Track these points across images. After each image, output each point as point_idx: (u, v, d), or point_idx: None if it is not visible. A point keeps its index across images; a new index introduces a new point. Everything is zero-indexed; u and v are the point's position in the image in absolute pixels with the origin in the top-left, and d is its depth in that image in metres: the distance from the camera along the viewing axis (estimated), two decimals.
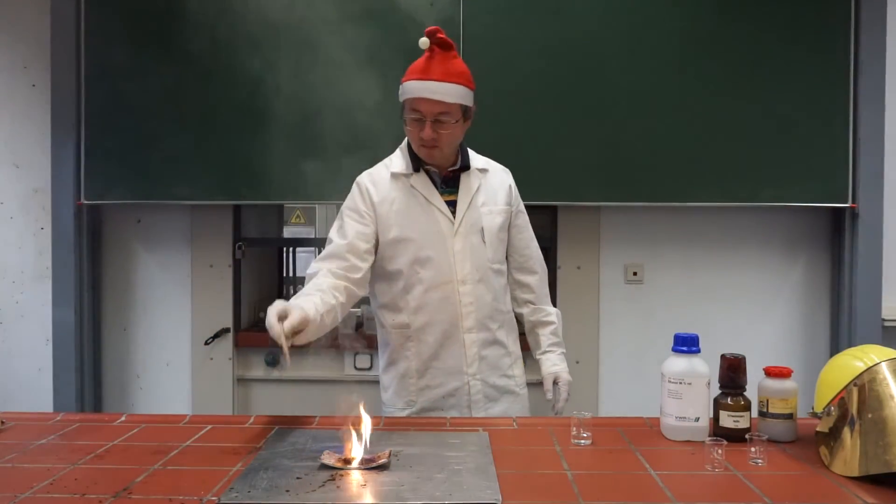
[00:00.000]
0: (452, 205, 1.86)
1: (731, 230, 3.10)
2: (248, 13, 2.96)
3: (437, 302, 1.84)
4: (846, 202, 2.90)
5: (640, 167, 2.90)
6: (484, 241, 1.86)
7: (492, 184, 1.92)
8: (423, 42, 1.77)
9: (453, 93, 1.76)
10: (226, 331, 3.16)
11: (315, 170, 2.94)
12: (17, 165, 3.17)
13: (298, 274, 3.87)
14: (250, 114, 2.95)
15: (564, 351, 2.01)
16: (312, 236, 5.59)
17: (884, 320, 2.93)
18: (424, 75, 1.75)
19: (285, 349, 1.51)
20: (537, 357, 2.00)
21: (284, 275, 3.76)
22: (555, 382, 1.92)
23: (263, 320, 3.33)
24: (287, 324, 1.51)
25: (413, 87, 1.76)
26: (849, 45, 2.87)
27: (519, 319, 2.02)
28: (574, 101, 2.90)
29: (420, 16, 2.89)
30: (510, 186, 1.96)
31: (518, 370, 1.97)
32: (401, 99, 1.81)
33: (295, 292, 3.50)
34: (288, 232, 5.21)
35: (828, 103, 2.88)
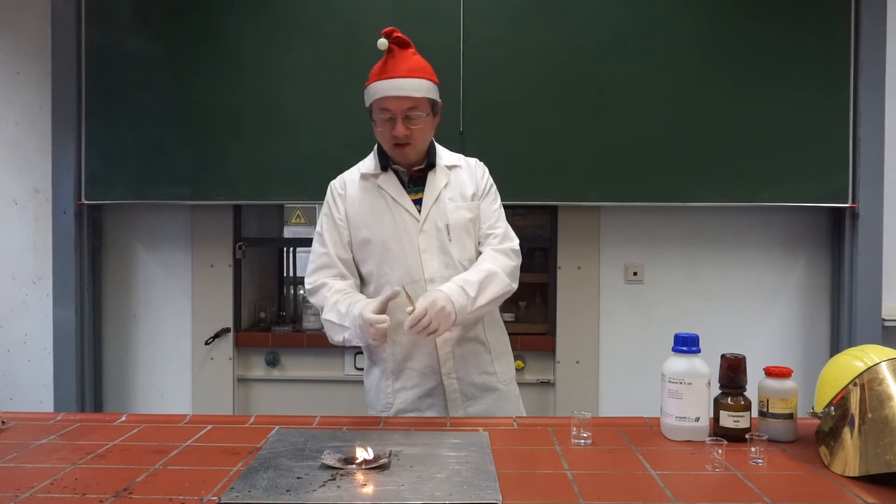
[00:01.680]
0: (419, 203, 1.85)
1: (731, 230, 3.10)
2: (248, 13, 2.96)
3: (406, 302, 1.80)
4: (846, 202, 2.90)
5: (640, 167, 2.90)
6: (450, 238, 1.83)
7: (461, 179, 1.89)
8: (382, 43, 1.78)
9: (420, 87, 1.77)
10: (226, 331, 3.16)
11: (315, 170, 2.94)
12: (16, 165, 3.17)
13: (299, 274, 3.87)
14: (250, 114, 2.96)
15: (473, 295, 1.70)
16: (312, 236, 5.59)
17: (884, 320, 2.93)
18: (388, 74, 1.77)
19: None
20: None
21: (284, 275, 3.76)
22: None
23: (264, 320, 3.34)
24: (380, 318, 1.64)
25: (379, 87, 1.77)
26: (849, 45, 2.87)
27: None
28: (574, 101, 2.90)
29: (420, 16, 2.89)
30: (477, 178, 1.91)
31: (501, 366, 1.93)
32: (367, 103, 1.82)
33: (295, 292, 3.54)
34: (288, 232, 5.22)
35: (828, 103, 2.88)
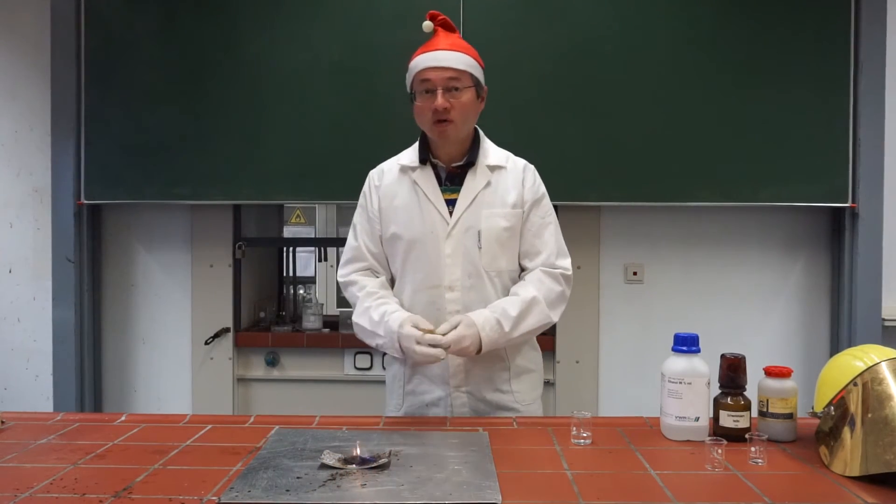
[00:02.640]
0: (453, 204, 1.76)
1: (731, 230, 3.10)
2: (248, 14, 2.96)
3: (423, 305, 1.76)
4: (846, 202, 2.90)
5: (640, 167, 2.90)
6: (479, 246, 1.74)
7: (504, 183, 1.78)
8: (427, 25, 1.74)
9: (462, 60, 1.71)
10: (226, 331, 3.16)
11: (315, 170, 2.95)
12: (17, 166, 3.17)
13: (299, 274, 3.87)
14: (251, 114, 2.96)
15: (507, 330, 1.66)
16: (312, 236, 5.60)
17: (884, 320, 2.93)
18: (431, 48, 1.72)
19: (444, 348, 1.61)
20: None
21: (284, 275, 3.76)
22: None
23: (263, 320, 3.34)
24: (437, 336, 1.61)
25: (421, 60, 1.72)
26: (849, 45, 2.87)
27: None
28: (574, 101, 2.90)
29: (421, 16, 2.88)
30: (523, 186, 1.79)
31: (521, 385, 1.81)
32: (408, 83, 1.76)
33: (295, 292, 3.54)
34: (288, 232, 5.22)
35: (828, 103, 2.88)
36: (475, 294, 1.75)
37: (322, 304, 3.37)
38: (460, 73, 1.70)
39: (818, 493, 1.19)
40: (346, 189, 2.92)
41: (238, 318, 3.20)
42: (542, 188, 1.83)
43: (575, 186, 2.91)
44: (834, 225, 3.06)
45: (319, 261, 5.07)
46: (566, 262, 1.79)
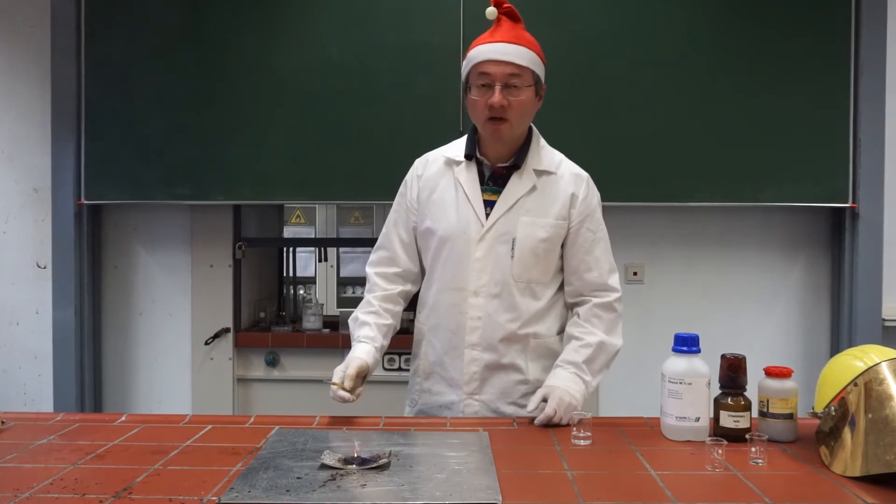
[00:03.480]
0: (492, 205, 1.69)
1: (731, 230, 3.10)
2: (247, 15, 2.96)
3: (446, 307, 1.72)
4: (846, 202, 2.90)
5: (640, 167, 2.90)
6: (512, 254, 1.67)
7: (552, 191, 1.70)
8: (491, 12, 1.64)
9: (525, 55, 1.61)
10: (226, 331, 3.16)
11: (315, 170, 2.94)
12: (17, 165, 3.17)
13: (299, 274, 3.87)
14: (251, 114, 2.96)
15: (588, 379, 1.63)
16: (312, 236, 5.60)
17: (884, 320, 2.93)
18: (493, 38, 1.62)
19: (350, 397, 1.59)
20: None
21: (284, 275, 3.76)
22: (545, 400, 1.57)
23: (263, 320, 3.35)
24: (348, 383, 1.58)
25: (481, 51, 1.62)
26: (849, 45, 2.87)
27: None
28: (574, 101, 2.90)
29: (421, 17, 2.89)
30: (573, 197, 1.71)
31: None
32: (465, 72, 1.67)
33: (295, 292, 3.54)
34: (288, 232, 5.21)
35: (828, 103, 2.88)
36: (499, 303, 1.69)
37: (322, 305, 3.37)
38: (522, 70, 1.61)
39: (818, 494, 1.19)
40: (346, 189, 2.94)
41: (238, 319, 3.20)
42: (596, 199, 1.77)
43: None
44: (834, 225, 3.06)
45: (319, 261, 5.07)
46: (616, 282, 1.74)
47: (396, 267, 1.79)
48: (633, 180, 2.91)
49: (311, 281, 5.18)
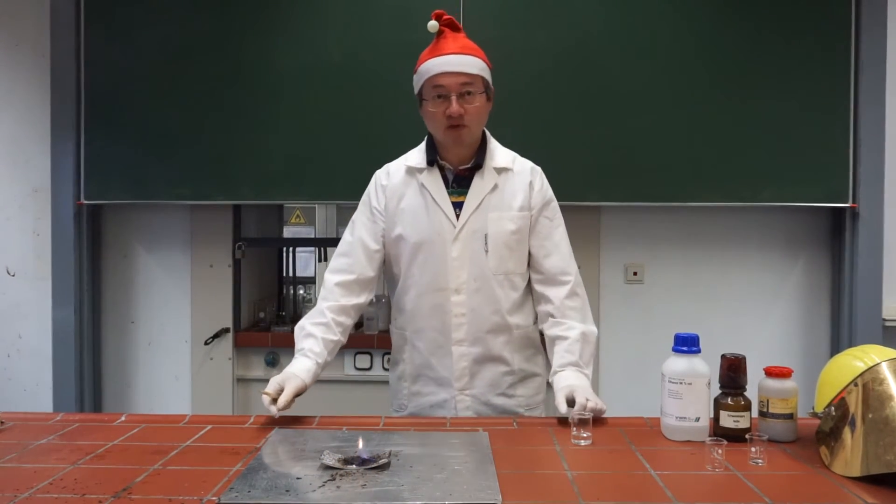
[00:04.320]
0: (460, 206, 1.76)
1: (731, 230, 3.10)
2: (248, 14, 2.96)
3: (429, 308, 1.77)
4: (846, 202, 2.90)
5: (640, 167, 2.90)
6: (486, 249, 1.75)
7: (511, 185, 1.78)
8: (432, 25, 1.72)
9: (474, 64, 1.70)
10: (226, 331, 3.16)
11: (315, 170, 2.94)
12: (16, 165, 3.17)
13: (298, 274, 3.87)
14: (251, 114, 2.96)
15: (587, 373, 1.71)
16: (312, 236, 5.59)
17: (884, 320, 2.93)
18: (441, 51, 1.70)
19: (277, 414, 1.56)
20: (550, 381, 1.72)
21: (284, 275, 3.76)
22: (570, 404, 1.57)
23: (263, 320, 3.33)
24: (281, 401, 1.56)
25: (432, 64, 1.70)
26: (849, 45, 2.87)
27: (542, 337, 1.84)
28: (574, 101, 2.90)
29: (421, 17, 2.88)
30: (531, 187, 1.79)
31: (526, 390, 1.83)
32: (417, 85, 1.74)
33: (294, 292, 3.54)
34: (288, 232, 5.22)
35: (828, 103, 2.88)
36: (481, 297, 1.75)
37: None
38: (473, 78, 1.70)
39: (818, 494, 1.19)
40: (346, 189, 2.92)
41: (238, 319, 3.20)
42: (550, 191, 1.85)
43: (575, 186, 2.91)
44: (834, 225, 3.06)
45: (319, 261, 5.05)
46: (574, 267, 1.82)
47: (357, 275, 1.79)
48: (633, 180, 2.91)
49: (310, 281, 5.18)
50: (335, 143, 2.91)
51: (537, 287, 1.81)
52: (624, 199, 2.95)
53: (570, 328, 1.74)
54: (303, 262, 4.95)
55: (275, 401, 1.55)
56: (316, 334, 1.74)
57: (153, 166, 2.98)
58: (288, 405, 1.57)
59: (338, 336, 1.77)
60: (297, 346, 1.76)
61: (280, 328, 3.23)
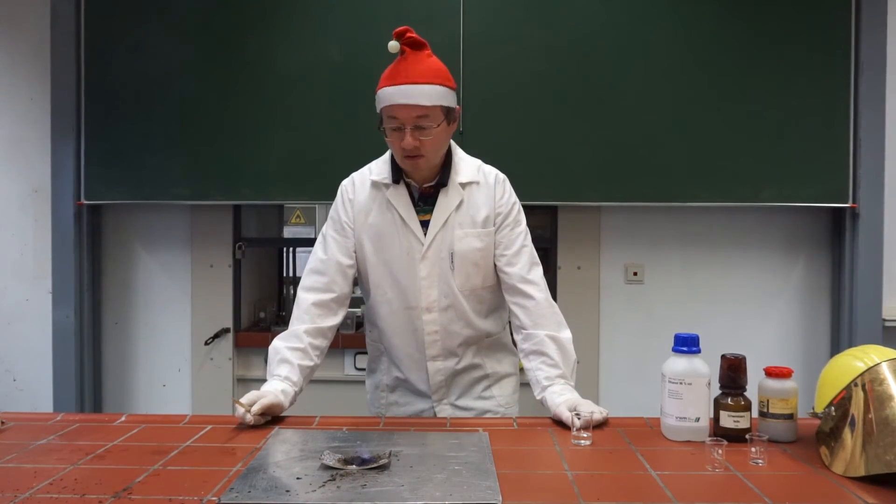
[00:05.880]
0: (426, 224, 1.72)
1: (731, 230, 3.10)
2: (249, 14, 2.96)
3: (401, 326, 1.77)
4: (846, 202, 2.90)
5: (640, 167, 2.90)
6: (452, 267, 1.72)
7: (475, 200, 1.74)
8: (393, 46, 1.64)
9: (431, 94, 1.61)
10: (226, 331, 3.16)
11: (315, 170, 2.94)
12: (16, 165, 3.17)
13: (298, 274, 3.86)
14: (250, 114, 2.96)
15: (573, 385, 1.66)
16: (312, 236, 5.60)
17: (884, 320, 2.93)
18: (398, 80, 1.62)
19: (249, 423, 1.53)
20: (539, 397, 1.67)
21: (284, 275, 3.76)
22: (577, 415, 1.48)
23: (263, 320, 3.32)
24: (255, 408, 1.52)
25: (387, 94, 1.63)
26: (849, 45, 2.87)
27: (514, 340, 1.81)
28: (574, 101, 2.90)
29: (420, 16, 2.88)
30: (494, 199, 1.75)
31: (501, 390, 1.85)
32: (378, 109, 1.68)
33: (294, 292, 3.52)
34: (288, 232, 5.22)
35: (828, 103, 2.88)
36: (452, 313, 1.75)
37: None
38: (429, 110, 1.61)
39: (819, 494, 1.19)
40: None
41: (238, 319, 3.20)
42: (513, 197, 1.79)
43: (575, 186, 2.91)
44: (834, 225, 3.06)
45: None
46: (536, 276, 1.75)
47: (335, 293, 1.77)
48: (633, 180, 2.91)
49: None
50: (335, 143, 2.91)
51: (507, 296, 1.78)
52: (624, 199, 2.95)
53: (543, 341, 1.69)
54: (303, 262, 4.93)
55: (248, 415, 1.52)
56: (292, 361, 1.69)
57: (153, 166, 2.98)
58: (260, 413, 1.52)
59: (314, 361, 1.73)
60: (273, 369, 1.69)
61: (280, 328, 3.21)
